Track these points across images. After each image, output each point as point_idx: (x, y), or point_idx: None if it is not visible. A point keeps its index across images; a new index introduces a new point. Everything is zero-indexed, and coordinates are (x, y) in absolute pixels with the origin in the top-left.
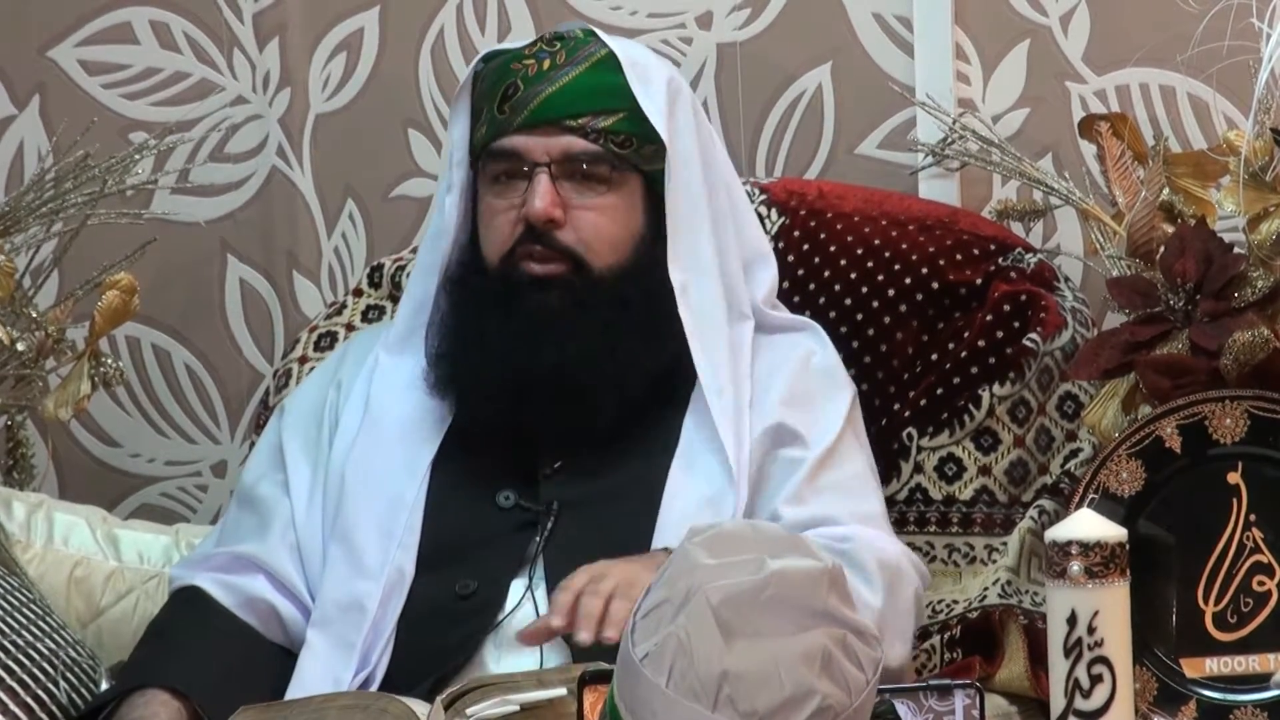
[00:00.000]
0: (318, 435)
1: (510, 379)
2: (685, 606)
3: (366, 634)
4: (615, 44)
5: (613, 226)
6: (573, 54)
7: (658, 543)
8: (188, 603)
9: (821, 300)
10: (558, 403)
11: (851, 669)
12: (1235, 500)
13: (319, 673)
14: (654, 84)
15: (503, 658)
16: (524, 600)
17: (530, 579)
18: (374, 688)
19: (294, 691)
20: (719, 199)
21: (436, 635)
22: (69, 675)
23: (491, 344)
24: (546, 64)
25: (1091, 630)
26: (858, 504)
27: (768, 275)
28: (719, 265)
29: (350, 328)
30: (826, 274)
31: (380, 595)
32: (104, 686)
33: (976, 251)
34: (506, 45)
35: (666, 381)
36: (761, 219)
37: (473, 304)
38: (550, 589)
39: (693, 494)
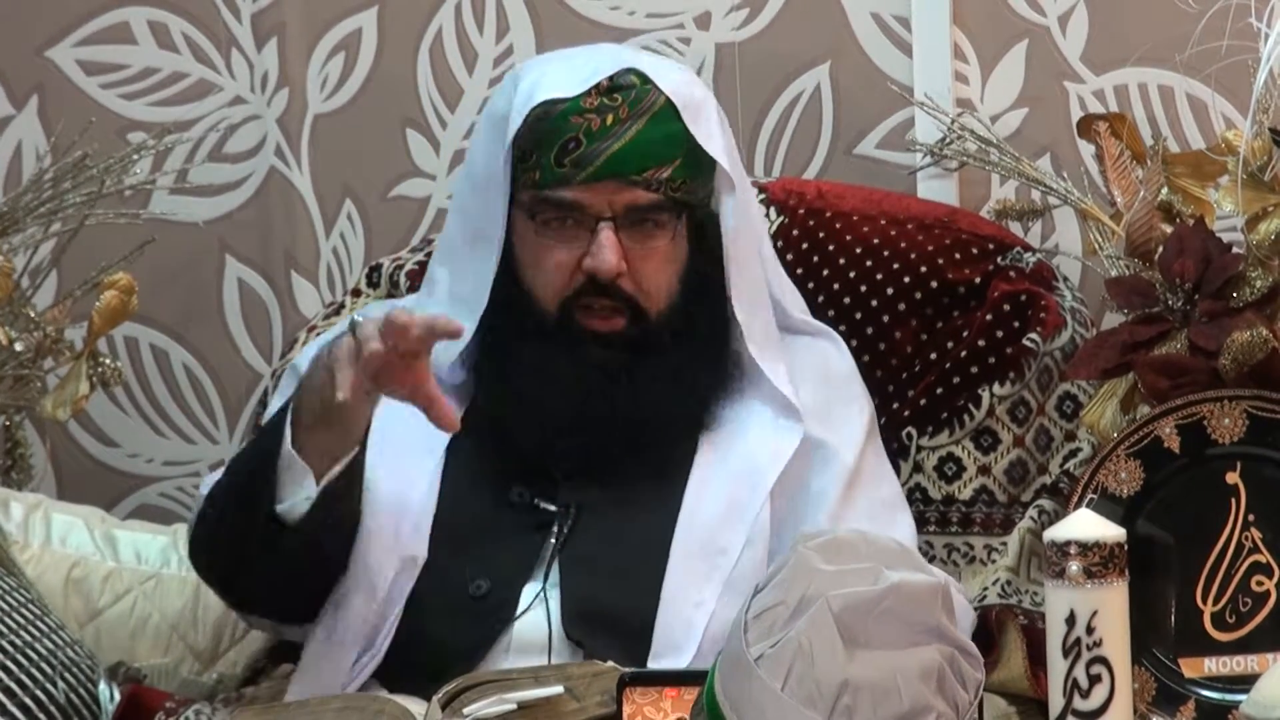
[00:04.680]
0: None
1: (588, 427)
2: (805, 611)
3: (373, 614)
4: (666, 84)
5: (669, 270)
6: (634, 107)
7: (677, 546)
8: None
9: (820, 299)
10: (635, 445)
11: (959, 689)
12: (1234, 500)
13: (322, 651)
14: (707, 122)
15: (509, 661)
16: (535, 604)
17: (545, 583)
18: (372, 667)
19: (301, 669)
20: (758, 218)
21: (446, 634)
22: (67, 675)
23: (562, 392)
24: (610, 119)
25: (1090, 630)
26: (886, 532)
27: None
28: (766, 285)
29: None
30: (825, 273)
31: (391, 576)
32: (101, 687)
33: (975, 251)
34: (555, 93)
35: None
36: None
37: (532, 346)
38: (564, 594)
39: (715, 496)
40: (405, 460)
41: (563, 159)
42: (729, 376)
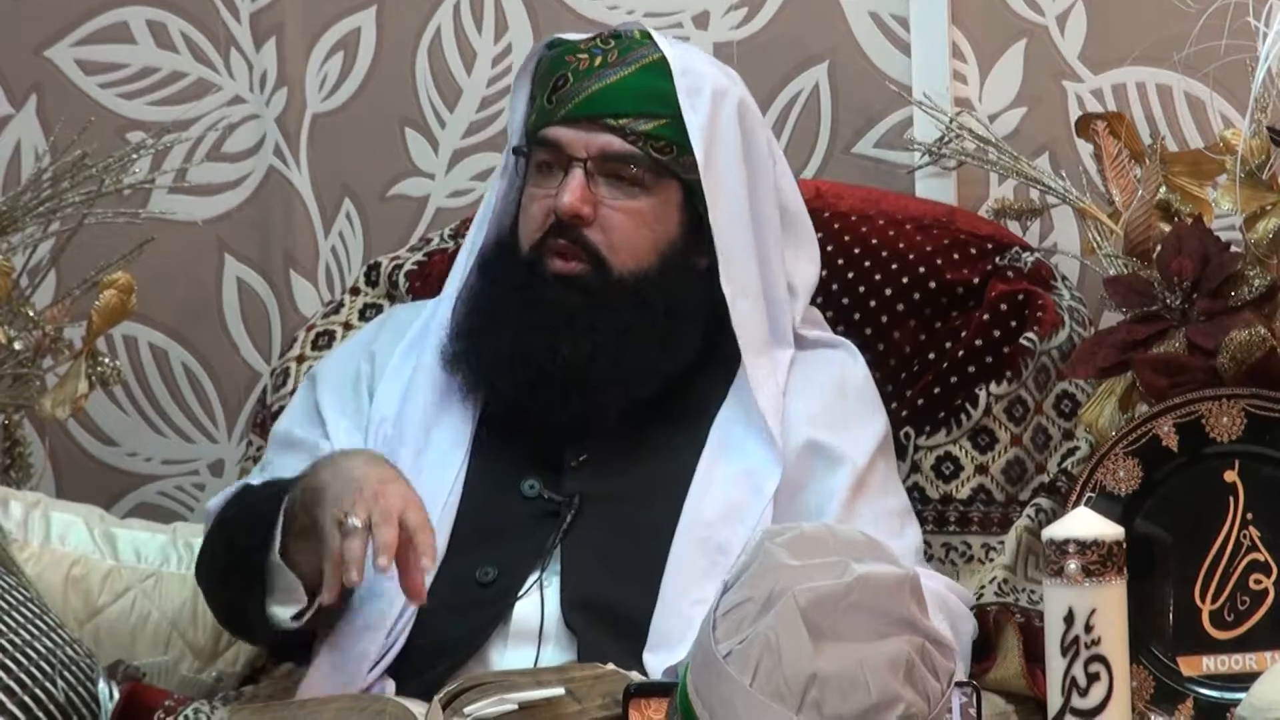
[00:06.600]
0: (355, 401)
1: (522, 368)
2: (772, 607)
3: (390, 611)
4: (671, 50)
5: (640, 230)
6: (625, 54)
7: (678, 541)
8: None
9: (818, 300)
10: (566, 396)
11: (930, 678)
12: (1232, 498)
13: (339, 644)
14: (701, 95)
15: (506, 648)
16: (531, 590)
17: (543, 570)
18: (388, 659)
19: (316, 664)
20: (768, 220)
21: (453, 620)
22: (66, 674)
23: (508, 331)
24: (598, 60)
25: (1089, 629)
26: (890, 540)
27: (804, 301)
28: (762, 287)
29: (348, 326)
30: (823, 274)
31: None
32: (101, 685)
33: (974, 251)
34: (569, 35)
35: (694, 387)
36: None
37: (498, 288)
38: (564, 581)
39: (718, 495)
40: (432, 466)
41: (551, 96)
42: (698, 370)
